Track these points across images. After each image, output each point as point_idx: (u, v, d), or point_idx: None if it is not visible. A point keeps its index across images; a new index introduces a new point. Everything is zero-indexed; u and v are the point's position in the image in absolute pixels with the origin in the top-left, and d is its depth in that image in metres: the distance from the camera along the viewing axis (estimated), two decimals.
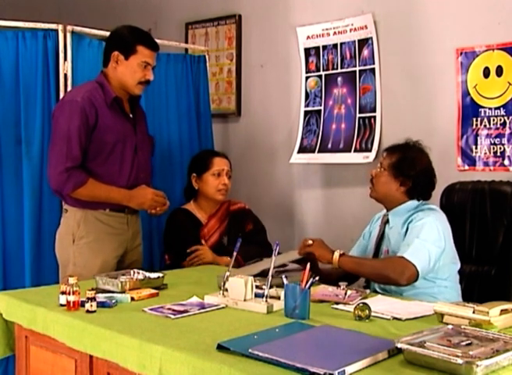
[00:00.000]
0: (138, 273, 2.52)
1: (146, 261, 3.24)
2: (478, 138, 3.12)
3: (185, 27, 4.45)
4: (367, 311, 2.00)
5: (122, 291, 2.30)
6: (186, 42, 4.39)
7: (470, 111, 3.15)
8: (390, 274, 2.38)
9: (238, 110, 4.19)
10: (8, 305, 2.33)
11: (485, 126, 3.10)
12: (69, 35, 3.14)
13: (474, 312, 1.86)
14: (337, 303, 2.20)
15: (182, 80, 3.74)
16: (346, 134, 3.60)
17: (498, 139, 3.06)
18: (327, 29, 3.65)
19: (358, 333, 1.82)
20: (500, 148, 3.06)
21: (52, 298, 2.23)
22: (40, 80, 3.10)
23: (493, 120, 3.07)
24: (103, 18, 4.67)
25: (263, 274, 2.37)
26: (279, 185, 4.01)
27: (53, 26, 3.13)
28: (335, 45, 3.64)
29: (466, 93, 3.15)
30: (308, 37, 3.75)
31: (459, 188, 2.86)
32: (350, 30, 3.55)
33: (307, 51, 3.77)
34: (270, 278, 2.16)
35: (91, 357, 2.01)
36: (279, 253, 2.27)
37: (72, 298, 2.11)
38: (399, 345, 1.57)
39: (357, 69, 3.55)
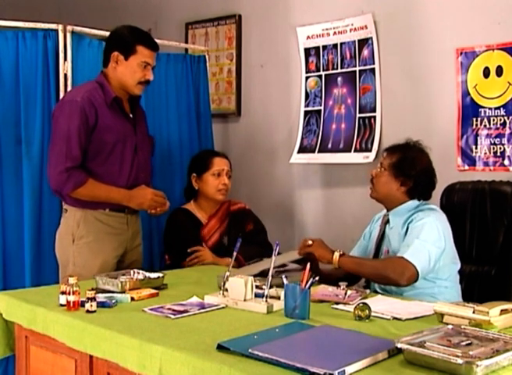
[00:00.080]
0: (138, 273, 2.52)
1: (146, 261, 3.24)
2: (478, 138, 3.12)
3: (185, 27, 4.46)
4: (367, 311, 2.00)
5: (122, 291, 2.30)
6: (186, 42, 4.39)
7: (470, 111, 3.15)
8: (390, 274, 2.38)
9: (238, 110, 4.19)
10: (8, 305, 2.33)
11: (485, 126, 3.10)
12: (69, 35, 3.14)
13: (474, 312, 1.86)
14: (337, 303, 2.20)
15: (182, 80, 3.74)
16: (346, 134, 3.60)
17: (498, 139, 3.06)
18: (327, 29, 3.65)
19: (358, 333, 1.82)
20: (500, 148, 3.06)
21: (52, 298, 2.23)
22: (40, 80, 3.10)
23: (493, 120, 3.07)
24: (103, 18, 4.67)
25: (263, 274, 2.37)
26: (279, 185, 4.01)
27: (53, 26, 3.13)
28: (335, 45, 3.64)
29: (466, 93, 3.15)
30: (308, 37, 3.75)
31: (459, 188, 2.86)
32: (350, 30, 3.55)
33: (307, 51, 3.77)
34: (270, 278, 2.16)
35: (91, 357, 2.01)
36: (279, 253, 2.27)
37: (72, 298, 2.11)
38: (399, 345, 1.57)
39: (357, 69, 3.55)
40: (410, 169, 2.58)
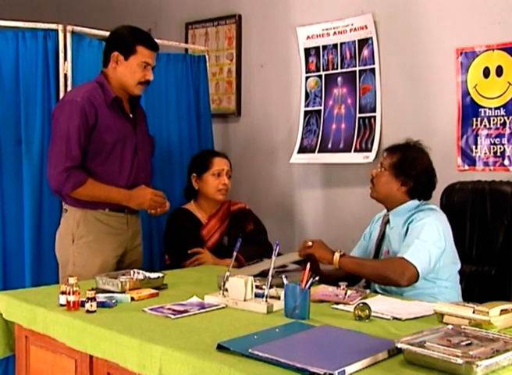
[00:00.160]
0: (138, 273, 2.52)
1: (146, 261, 3.24)
2: (478, 138, 3.12)
3: (185, 27, 4.46)
4: (367, 311, 2.00)
5: (122, 291, 2.30)
6: (186, 42, 4.39)
7: (470, 111, 3.15)
8: (390, 275, 2.38)
9: (238, 110, 4.19)
10: (8, 305, 2.33)
11: (485, 126, 3.10)
12: (69, 35, 3.14)
13: (474, 312, 1.86)
14: (337, 303, 2.20)
15: (182, 80, 3.74)
16: (346, 134, 3.60)
17: (498, 139, 3.06)
18: (327, 29, 3.65)
19: (358, 333, 1.82)
20: (500, 148, 3.06)
21: (52, 298, 2.23)
22: (40, 80, 3.10)
23: (493, 120, 3.07)
24: (103, 18, 4.67)
25: (263, 274, 2.37)
26: (279, 185, 4.01)
27: (53, 26, 3.13)
28: (335, 45, 3.64)
29: (466, 93, 3.15)
30: (308, 37, 3.75)
31: (459, 188, 2.86)
32: (350, 30, 3.55)
33: (307, 51, 3.77)
34: (270, 278, 2.16)
35: (91, 357, 2.01)
36: (279, 254, 2.27)
37: (72, 298, 2.11)
38: (399, 345, 1.57)
39: (357, 69, 3.55)
40: (411, 169, 2.58)
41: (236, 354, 1.63)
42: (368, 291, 2.38)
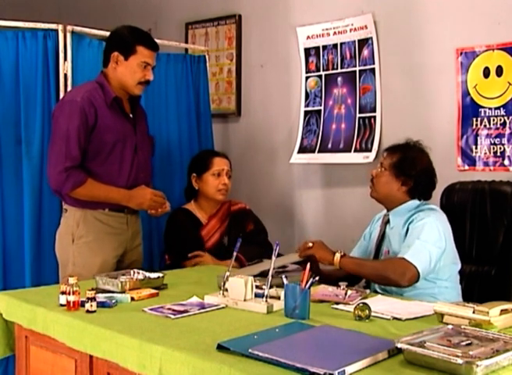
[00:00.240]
0: (138, 273, 2.52)
1: (146, 261, 3.24)
2: (478, 138, 3.12)
3: (185, 27, 4.46)
4: (367, 311, 2.00)
5: (122, 291, 2.30)
6: (186, 42, 4.39)
7: (470, 111, 3.15)
8: (391, 275, 2.38)
9: (238, 110, 4.19)
10: (8, 305, 2.33)
11: (485, 126, 3.10)
12: (69, 35, 3.14)
13: (474, 312, 1.85)
14: (337, 303, 2.20)
15: (182, 80, 3.74)
16: (346, 134, 3.60)
17: (498, 139, 3.06)
18: (327, 29, 3.65)
19: (358, 333, 1.82)
20: (500, 148, 3.06)
21: (52, 298, 2.23)
22: (40, 80, 3.10)
23: (493, 120, 3.07)
24: (103, 18, 4.68)
25: (263, 274, 2.37)
26: (279, 185, 4.01)
27: (53, 26, 3.13)
28: (335, 45, 3.64)
29: (466, 93, 3.15)
30: (308, 37, 3.75)
31: (459, 188, 2.86)
32: (350, 30, 3.55)
33: (307, 51, 3.77)
34: (270, 278, 2.16)
35: (91, 357, 2.01)
36: (279, 254, 2.27)
37: (72, 298, 2.11)
38: (399, 345, 1.57)
39: (357, 69, 3.55)
40: (411, 168, 2.58)
41: (236, 354, 1.63)
42: (367, 291, 2.38)
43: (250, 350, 1.61)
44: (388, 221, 2.67)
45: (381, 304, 2.17)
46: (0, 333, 2.40)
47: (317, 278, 2.08)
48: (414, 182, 2.59)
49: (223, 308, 2.16)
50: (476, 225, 2.78)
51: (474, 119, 3.13)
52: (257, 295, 2.18)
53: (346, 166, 3.59)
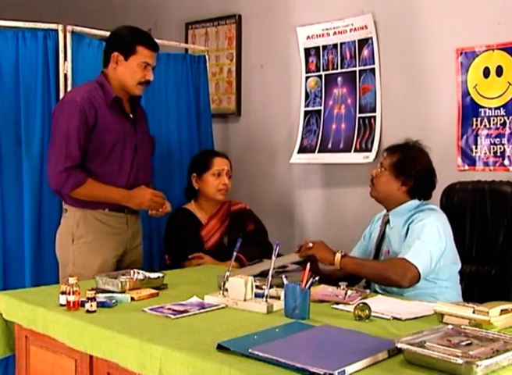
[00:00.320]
0: (138, 273, 2.52)
1: (146, 261, 3.24)
2: (478, 138, 3.12)
3: (185, 27, 4.46)
4: (367, 311, 2.00)
5: (122, 291, 2.30)
6: (186, 42, 4.39)
7: (470, 111, 3.15)
8: (392, 276, 2.38)
9: (238, 110, 4.19)
10: (8, 305, 2.33)
11: (485, 126, 3.10)
12: (69, 35, 3.14)
13: (474, 312, 1.85)
14: (337, 303, 2.20)
15: (182, 80, 3.74)
16: (346, 134, 3.60)
17: (498, 139, 3.06)
18: (327, 29, 3.65)
19: (358, 333, 1.82)
20: (500, 148, 3.06)
21: (52, 298, 2.23)
22: (40, 80, 3.10)
23: (493, 120, 3.07)
24: (103, 18, 4.68)
25: (263, 274, 2.37)
26: (279, 185, 4.01)
27: (53, 26, 3.13)
28: (335, 45, 3.64)
29: (466, 93, 3.15)
30: (308, 37, 3.75)
31: (459, 188, 2.86)
32: (350, 30, 3.55)
33: (307, 51, 3.77)
34: (270, 278, 2.16)
35: (91, 357, 2.01)
36: (279, 254, 2.27)
37: (72, 298, 2.11)
38: (399, 345, 1.57)
39: (357, 69, 3.55)
40: (411, 168, 2.58)
41: (236, 354, 1.63)
42: (367, 291, 2.38)
43: (250, 350, 1.61)
44: (388, 221, 2.67)
45: (381, 304, 2.17)
46: (0, 333, 2.40)
47: (317, 278, 2.08)
48: (414, 182, 2.59)
49: (223, 308, 2.16)
50: (476, 225, 2.78)
51: (474, 119, 3.13)
52: (257, 295, 2.18)
53: (346, 166, 3.59)
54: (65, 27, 3.14)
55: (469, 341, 1.60)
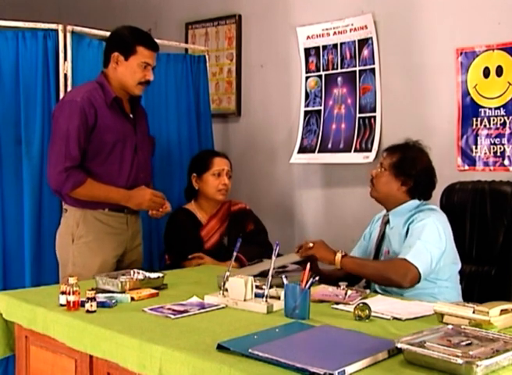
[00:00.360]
0: (138, 273, 2.52)
1: (146, 261, 3.24)
2: (478, 138, 3.12)
3: (185, 27, 4.46)
4: (367, 311, 2.00)
5: (122, 291, 2.30)
6: (186, 42, 4.39)
7: (470, 111, 3.15)
8: (392, 276, 2.38)
9: (238, 110, 4.19)
10: (8, 305, 2.33)
11: (485, 126, 3.10)
12: (69, 35, 3.14)
13: (474, 312, 1.85)
14: (337, 303, 2.20)
15: (182, 80, 3.74)
16: (346, 134, 3.60)
17: (498, 139, 3.06)
18: (327, 29, 3.65)
19: (358, 333, 1.82)
20: (500, 148, 3.06)
21: (52, 298, 2.23)
22: (40, 80, 3.10)
23: (493, 120, 3.07)
24: (103, 18, 4.68)
25: (263, 274, 2.37)
26: (279, 185, 4.01)
27: (53, 26, 3.13)
28: (335, 45, 3.64)
29: (466, 93, 3.15)
30: (308, 37, 3.75)
31: (459, 188, 2.86)
32: (350, 30, 3.55)
33: (307, 51, 3.77)
34: (270, 278, 2.16)
35: (91, 357, 2.01)
36: (279, 254, 2.27)
37: (72, 298, 2.11)
38: (399, 345, 1.57)
39: (357, 69, 3.55)
40: (411, 168, 2.58)
41: (236, 354, 1.63)
42: (367, 291, 2.38)
43: (250, 350, 1.61)
44: (388, 221, 2.67)
45: (381, 304, 2.17)
46: (0, 333, 2.40)
47: (317, 278, 2.08)
48: (413, 182, 2.59)
49: (223, 308, 2.16)
50: (476, 225, 2.78)
51: (474, 119, 3.13)
52: (257, 295, 2.18)
53: (346, 166, 3.59)
54: (65, 27, 3.14)
55: (469, 341, 1.60)
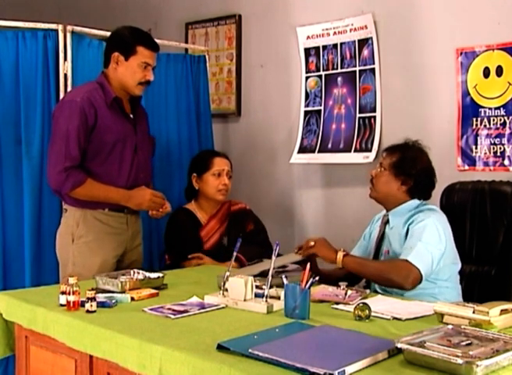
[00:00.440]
0: (138, 273, 2.52)
1: (146, 261, 3.24)
2: (478, 138, 3.12)
3: (185, 27, 4.46)
4: (367, 311, 2.00)
5: (122, 291, 2.30)
6: (186, 42, 4.39)
7: (470, 111, 3.15)
8: (394, 277, 2.37)
9: (238, 110, 4.19)
10: (8, 305, 2.33)
11: (485, 126, 3.10)
12: (69, 35, 3.14)
13: (474, 312, 1.85)
14: (337, 303, 2.20)
15: (182, 80, 3.74)
16: (346, 134, 3.60)
17: (498, 139, 3.06)
18: (327, 29, 3.65)
19: (358, 333, 1.82)
20: (500, 148, 3.06)
21: (52, 298, 2.23)
22: (40, 80, 3.10)
23: (493, 120, 3.07)
24: (103, 18, 4.68)
25: (263, 274, 2.37)
26: (279, 185, 4.01)
27: (53, 26, 3.13)
28: (335, 45, 3.64)
29: (466, 93, 3.15)
30: (308, 37, 3.75)
31: (459, 188, 2.86)
32: (350, 30, 3.55)
33: (307, 51, 3.77)
34: (270, 278, 2.16)
35: (91, 357, 2.01)
36: (279, 254, 2.27)
37: (72, 298, 2.11)
38: (399, 345, 1.57)
39: (357, 69, 3.55)
40: (411, 168, 2.58)
41: (236, 354, 1.63)
42: (367, 291, 2.38)
43: (250, 350, 1.61)
44: (387, 221, 2.67)
45: (381, 304, 2.17)
46: (0, 333, 2.40)
47: (317, 278, 2.08)
48: (413, 181, 2.59)
49: (223, 308, 2.16)
50: (476, 225, 2.78)
51: (474, 119, 3.13)
52: (257, 295, 2.18)
53: (346, 166, 3.59)
54: (65, 27, 3.14)
55: (469, 341, 1.60)
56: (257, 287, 2.21)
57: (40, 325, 2.16)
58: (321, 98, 3.73)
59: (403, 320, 2.00)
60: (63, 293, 2.15)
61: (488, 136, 3.09)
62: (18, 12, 4.60)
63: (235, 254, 2.34)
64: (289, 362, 1.53)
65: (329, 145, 3.66)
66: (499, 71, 3.04)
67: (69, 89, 3.11)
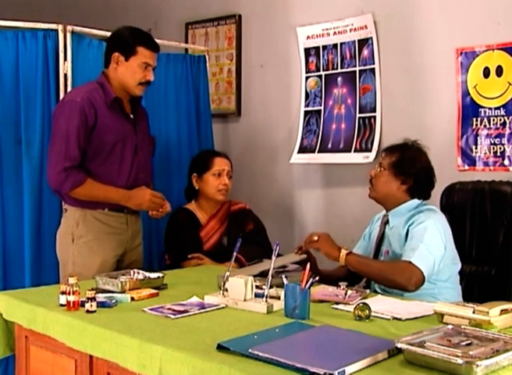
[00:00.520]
0: (138, 273, 2.52)
1: (146, 261, 3.24)
2: (478, 138, 3.12)
3: (185, 27, 4.46)
4: (367, 311, 2.00)
5: (122, 291, 2.30)
6: (186, 42, 4.39)
7: (470, 111, 3.15)
8: (397, 279, 2.36)
9: (238, 110, 4.19)
10: (8, 305, 2.33)
11: (485, 126, 3.10)
12: (69, 35, 3.14)
13: (474, 312, 1.86)
14: (337, 303, 2.20)
15: (182, 80, 3.74)
16: (346, 134, 3.60)
17: (498, 139, 3.06)
18: (327, 29, 3.65)
19: (358, 333, 1.82)
20: (500, 148, 3.06)
21: (52, 298, 2.23)
22: (40, 80, 3.10)
23: (493, 120, 3.07)
24: (103, 18, 4.68)
25: (263, 274, 2.37)
26: (279, 185, 4.01)
27: (53, 26, 3.13)
28: (335, 45, 3.64)
29: (466, 93, 3.15)
30: (308, 37, 3.75)
31: (459, 188, 2.86)
32: (350, 30, 3.55)
33: (307, 51, 3.77)
34: (270, 278, 2.16)
35: (91, 357, 2.01)
36: (279, 254, 2.27)
37: (72, 298, 2.11)
38: (399, 345, 1.57)
39: (357, 69, 3.55)
40: (410, 167, 2.58)
41: (236, 354, 1.63)
42: (367, 291, 2.38)
43: (250, 350, 1.61)
44: (387, 221, 2.67)
45: (381, 304, 2.17)
46: (0, 333, 2.40)
47: (317, 278, 2.08)
48: (413, 180, 2.59)
49: (223, 308, 2.16)
50: (476, 225, 2.78)
51: (474, 119, 3.13)
52: (257, 295, 2.18)
53: (346, 166, 3.59)
54: (65, 27, 3.14)
55: (469, 341, 1.60)
56: (257, 287, 2.21)
57: (40, 325, 2.16)
58: (321, 98, 3.73)
59: (403, 320, 2.00)
60: (63, 293, 2.15)
61: (488, 136, 3.09)
62: (18, 12, 4.59)
63: (235, 254, 2.34)
64: (289, 362, 1.53)
65: (329, 145, 3.66)
66: (499, 71, 3.04)
67: (69, 89, 3.11)
